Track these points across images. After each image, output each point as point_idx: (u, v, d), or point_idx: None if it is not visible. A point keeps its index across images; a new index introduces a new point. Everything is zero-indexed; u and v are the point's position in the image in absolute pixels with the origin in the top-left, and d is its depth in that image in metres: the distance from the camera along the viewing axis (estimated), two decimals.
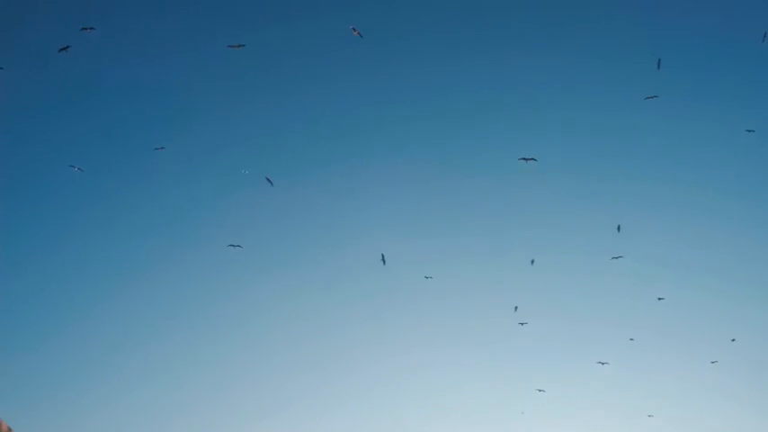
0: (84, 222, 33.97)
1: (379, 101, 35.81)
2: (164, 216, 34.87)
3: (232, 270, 34.03)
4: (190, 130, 34.48)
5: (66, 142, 32.74)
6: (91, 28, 20.77)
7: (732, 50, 35.00)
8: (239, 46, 20.66)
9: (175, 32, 34.18)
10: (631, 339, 29.67)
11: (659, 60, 24.22)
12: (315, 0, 34.79)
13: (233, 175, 34.90)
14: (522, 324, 26.89)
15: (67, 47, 20.42)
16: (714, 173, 35.24)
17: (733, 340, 29.58)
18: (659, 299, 29.03)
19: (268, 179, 25.00)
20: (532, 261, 27.79)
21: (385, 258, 24.75)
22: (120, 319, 33.35)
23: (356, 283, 34.21)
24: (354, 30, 20.49)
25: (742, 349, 31.27)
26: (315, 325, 33.42)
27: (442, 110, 35.28)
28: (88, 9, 32.52)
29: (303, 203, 33.20)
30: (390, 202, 35.18)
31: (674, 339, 31.67)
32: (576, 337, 31.68)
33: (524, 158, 18.02)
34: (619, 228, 27.19)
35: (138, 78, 34.59)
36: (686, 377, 31.42)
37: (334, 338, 33.37)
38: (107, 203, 33.97)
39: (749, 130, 26.90)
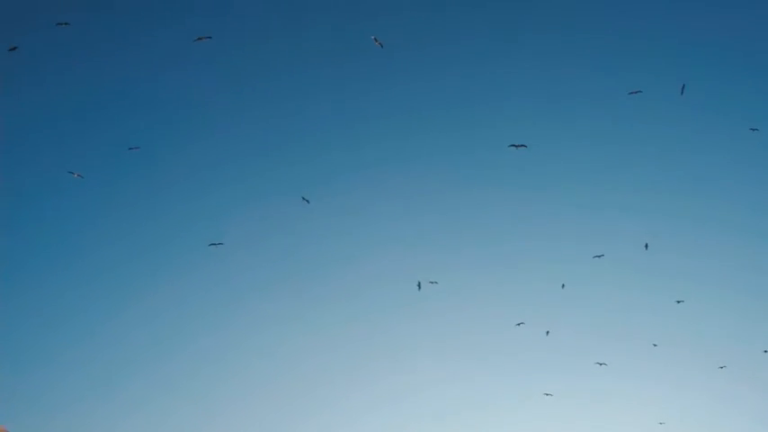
0: (99, 231, 34.18)
1: (389, 113, 35.92)
2: (179, 226, 35.10)
3: (241, 282, 34.16)
4: (201, 143, 34.86)
5: (79, 152, 33.21)
6: (65, 23, 21.02)
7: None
8: (206, 38, 20.77)
9: (186, 45, 34.68)
10: (654, 345, 29.37)
11: (683, 86, 24.39)
12: (325, 13, 35.30)
13: (246, 187, 35.11)
14: (518, 324, 26.76)
15: (16, 47, 20.62)
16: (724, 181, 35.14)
17: (765, 351, 29.21)
18: (678, 301, 28.73)
19: (304, 198, 25.30)
20: (563, 285, 27.90)
21: (420, 285, 24.95)
22: (137, 329, 33.36)
23: (365, 296, 34.14)
24: (376, 40, 20.34)
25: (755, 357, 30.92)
26: (329, 337, 33.29)
27: (453, 121, 35.45)
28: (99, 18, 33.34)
29: (316, 215, 33.26)
30: (403, 213, 35.11)
31: (684, 347, 31.37)
32: (590, 344, 31.45)
33: (514, 145, 18.01)
34: (647, 246, 27.21)
35: (151, 89, 35.06)
36: (698, 384, 31.05)
37: (342, 352, 33.24)
38: (121, 213, 34.33)
39: (753, 129, 26.78)
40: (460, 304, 32.70)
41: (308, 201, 25.56)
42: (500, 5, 35.74)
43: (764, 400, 30.54)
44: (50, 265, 33.67)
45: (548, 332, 28.30)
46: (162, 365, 32.84)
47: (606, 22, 35.20)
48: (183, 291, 33.72)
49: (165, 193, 34.39)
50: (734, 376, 30.06)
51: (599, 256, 26.59)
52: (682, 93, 24.58)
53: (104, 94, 33.97)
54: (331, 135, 35.01)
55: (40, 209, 33.75)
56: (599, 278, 32.52)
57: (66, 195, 33.63)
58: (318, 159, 34.81)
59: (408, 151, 35.22)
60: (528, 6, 35.54)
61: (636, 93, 23.59)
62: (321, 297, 33.59)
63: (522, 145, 17.93)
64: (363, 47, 33.59)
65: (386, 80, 35.31)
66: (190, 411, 31.64)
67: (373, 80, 35.47)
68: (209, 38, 20.57)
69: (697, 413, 30.81)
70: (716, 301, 32.78)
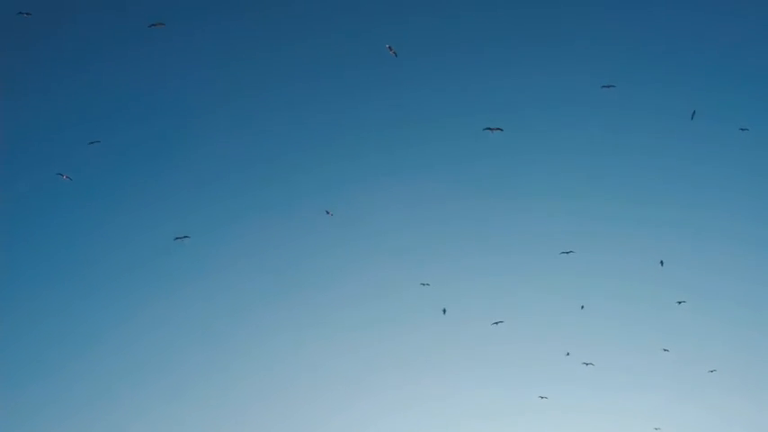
0: (103, 239, 34.32)
1: (393, 122, 36.03)
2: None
3: (245, 290, 34.17)
4: (203, 150, 35.13)
5: (83, 159, 33.37)
6: (27, 13, 21.27)
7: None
8: (159, 24, 20.92)
9: (188, 50, 35.13)
10: (665, 350, 29.22)
11: (694, 112, 24.79)
12: (332, 23, 35.70)
13: (251, 196, 35.25)
14: (496, 323, 26.77)
15: (162, 23, 20.81)
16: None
17: None
18: (679, 302, 28.57)
19: (327, 212, 25.64)
20: (582, 306, 28.09)
21: (446, 310, 25.24)
22: (141, 338, 33.33)
23: (367, 305, 34.06)
24: (390, 48, 20.42)
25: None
26: (331, 346, 33.16)
27: (456, 130, 35.46)
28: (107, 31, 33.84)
29: (321, 223, 33.20)
30: (408, 222, 35.05)
31: (680, 352, 31.06)
32: (590, 350, 31.21)
33: (489, 128, 18.11)
34: (662, 263, 27.33)
35: (156, 95, 35.42)
36: (694, 389, 30.73)
37: (344, 361, 33.09)
38: (124, 222, 34.53)
39: (743, 129, 26.90)
40: (463, 311, 32.58)
41: (331, 214, 25.85)
42: (499, 16, 36.11)
43: (759, 405, 30.22)
44: (49, 274, 33.87)
45: (568, 353, 28.35)
46: (164, 374, 32.91)
47: (608, 31, 35.46)
48: (186, 299, 33.84)
49: (169, 200, 34.66)
50: (730, 381, 29.88)
51: (567, 252, 26.58)
52: (692, 118, 24.91)
53: (108, 99, 34.44)
54: (334, 144, 35.28)
55: (40, 216, 34.06)
56: (600, 285, 32.59)
57: (68, 203, 34.02)
58: (321, 169, 35.04)
59: (412, 160, 35.42)
60: (528, 16, 35.88)
61: (609, 87, 23.85)
62: (323, 305, 33.64)
63: (497, 128, 18.03)
64: (364, 55, 34.04)
65: (386, 89, 35.66)
66: (193, 420, 31.57)
67: (373, 89, 35.83)
68: (163, 24, 20.71)
69: (693, 418, 30.55)
70: (712, 305, 32.62)
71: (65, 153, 32.67)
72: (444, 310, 26.89)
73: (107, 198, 33.90)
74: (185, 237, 24.93)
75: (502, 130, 17.97)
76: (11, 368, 31.59)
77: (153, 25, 21.25)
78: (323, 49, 35.16)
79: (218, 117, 34.89)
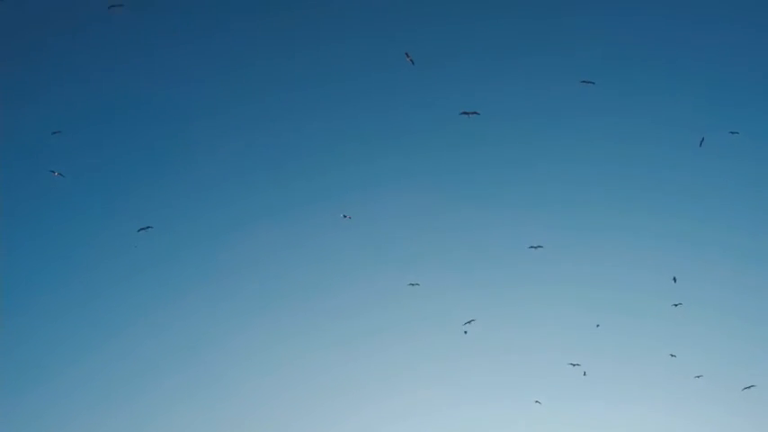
0: (108, 242, 34.61)
1: (393, 130, 36.48)
2: (186, 240, 35.36)
3: (245, 298, 34.41)
4: (205, 155, 35.61)
5: (91, 165, 33.84)
6: None
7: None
8: (118, 5, 21.27)
9: (198, 54, 35.79)
10: (672, 355, 29.11)
11: (702, 139, 25.22)
12: (334, 29, 36.32)
13: (256, 202, 35.60)
14: (468, 323, 26.81)
15: (120, 5, 21.27)
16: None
17: None
18: (675, 305, 28.50)
19: (344, 215, 26.10)
20: (597, 325, 28.30)
21: (467, 331, 25.55)
22: (147, 343, 33.63)
23: (367, 314, 34.13)
24: (407, 55, 20.78)
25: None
26: (328, 354, 33.23)
27: (455, 138, 35.75)
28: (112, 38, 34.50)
29: (328, 229, 33.40)
30: (408, 229, 35.26)
31: (677, 358, 30.80)
32: (588, 359, 31.06)
33: (466, 112, 18.37)
34: (675, 279, 27.50)
35: (163, 99, 35.99)
36: (687, 394, 30.44)
37: (340, 371, 33.12)
38: (129, 225, 34.79)
39: (733, 132, 27.06)
40: (464, 319, 32.53)
41: (349, 217, 26.20)
42: (499, 25, 36.51)
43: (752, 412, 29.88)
44: (50, 277, 34.18)
45: (585, 373, 28.41)
46: (167, 379, 33.11)
47: (611, 38, 35.79)
48: (187, 304, 34.08)
49: (170, 204, 34.99)
50: (722, 388, 29.62)
51: (535, 247, 26.66)
52: (701, 144, 25.27)
53: (111, 102, 34.97)
54: (337, 150, 35.64)
55: (41, 220, 34.46)
56: (599, 291, 32.63)
57: (71, 206, 34.51)
58: (324, 175, 35.36)
59: (412, 169, 35.67)
60: (527, 25, 36.24)
61: (588, 83, 24.13)
62: (325, 312, 33.75)
63: (474, 112, 18.27)
64: (363, 62, 34.57)
65: (387, 95, 36.06)
66: (195, 425, 31.63)
67: (374, 96, 36.26)
68: (121, 5, 21.03)
69: (688, 423, 30.25)
70: (709, 310, 32.43)
71: (65, 155, 33.22)
72: (466, 332, 27.10)
73: (110, 202, 34.47)
74: (148, 227, 25.06)
75: (478, 113, 18.24)
76: (10, 372, 31.83)
77: (112, 6, 21.64)
78: (324, 55, 35.76)
79: (221, 121, 35.53)
